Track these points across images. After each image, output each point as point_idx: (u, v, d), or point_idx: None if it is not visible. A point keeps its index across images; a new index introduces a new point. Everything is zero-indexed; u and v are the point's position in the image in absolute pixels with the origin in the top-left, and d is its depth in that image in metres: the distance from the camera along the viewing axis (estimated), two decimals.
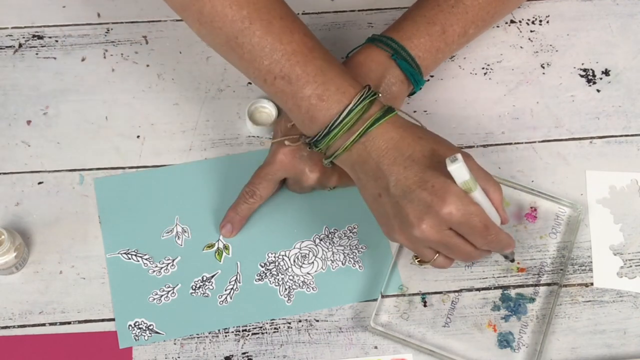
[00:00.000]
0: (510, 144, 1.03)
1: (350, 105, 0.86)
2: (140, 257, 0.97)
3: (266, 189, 0.96)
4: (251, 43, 0.86)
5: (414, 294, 0.96)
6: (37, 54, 1.06)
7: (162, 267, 0.96)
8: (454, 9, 0.97)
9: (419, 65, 0.96)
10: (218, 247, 0.97)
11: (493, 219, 0.86)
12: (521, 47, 1.08)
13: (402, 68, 0.95)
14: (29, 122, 1.03)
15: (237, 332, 0.94)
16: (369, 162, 0.86)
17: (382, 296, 0.95)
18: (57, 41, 1.06)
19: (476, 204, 0.84)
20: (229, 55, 0.89)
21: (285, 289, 0.96)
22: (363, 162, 0.87)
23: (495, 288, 0.96)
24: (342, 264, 0.97)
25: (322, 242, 0.98)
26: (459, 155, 0.81)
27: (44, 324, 0.94)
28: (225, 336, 0.94)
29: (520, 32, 1.09)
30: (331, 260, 0.97)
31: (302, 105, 0.87)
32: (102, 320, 0.94)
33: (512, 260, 0.95)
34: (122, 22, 1.08)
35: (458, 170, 0.81)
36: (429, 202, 0.83)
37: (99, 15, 1.08)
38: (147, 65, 1.06)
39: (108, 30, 1.07)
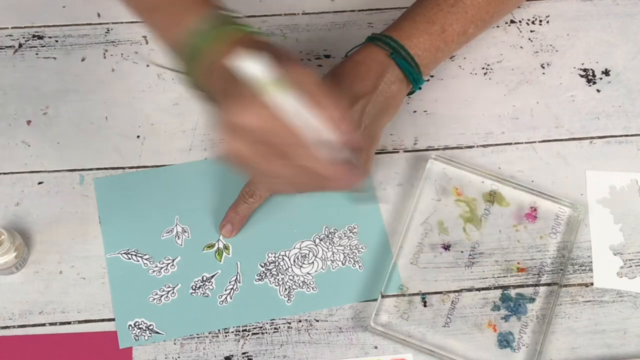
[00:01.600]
0: (510, 144, 1.03)
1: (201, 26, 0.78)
2: (140, 257, 0.97)
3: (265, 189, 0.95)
4: None
5: (414, 294, 0.96)
6: (37, 54, 1.06)
7: (162, 267, 0.96)
8: (454, 8, 0.97)
9: (418, 65, 0.96)
10: (218, 247, 0.97)
11: (313, 134, 0.74)
12: (521, 47, 1.08)
13: (401, 67, 0.95)
14: (29, 122, 1.03)
15: (237, 332, 0.94)
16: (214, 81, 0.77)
17: (382, 296, 0.95)
18: (57, 41, 1.06)
19: (283, 114, 0.72)
20: None
21: (285, 289, 0.96)
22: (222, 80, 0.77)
23: (495, 288, 0.96)
24: (342, 264, 0.97)
25: (322, 242, 0.98)
26: (261, 54, 0.70)
27: (44, 324, 0.94)
28: (225, 336, 0.94)
29: (520, 32, 1.09)
30: (331, 260, 0.97)
31: (159, 28, 0.82)
32: (102, 320, 0.94)
33: (370, 198, 0.85)
34: (122, 22, 1.08)
35: (257, 70, 0.71)
36: (231, 115, 0.73)
37: (99, 15, 1.08)
38: (147, 65, 1.06)
39: (108, 30, 1.07)
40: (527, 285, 0.96)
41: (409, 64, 0.95)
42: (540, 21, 1.10)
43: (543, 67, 1.07)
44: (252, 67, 0.70)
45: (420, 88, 0.99)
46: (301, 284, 0.96)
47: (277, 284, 0.96)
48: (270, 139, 0.73)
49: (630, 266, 0.97)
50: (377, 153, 1.02)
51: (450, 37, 0.97)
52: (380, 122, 0.95)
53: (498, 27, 1.09)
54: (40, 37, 1.07)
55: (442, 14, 0.97)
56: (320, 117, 0.74)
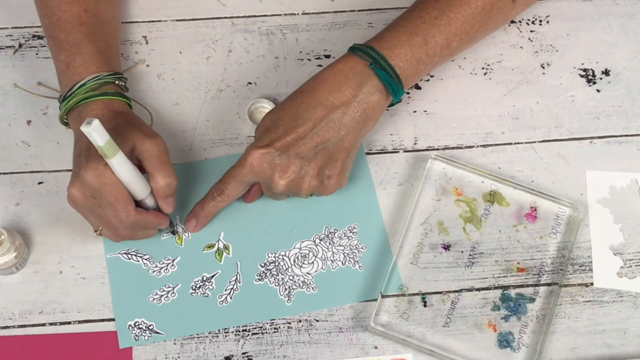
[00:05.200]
0: (510, 144, 1.03)
1: (84, 80, 0.94)
2: (140, 257, 0.97)
3: (234, 190, 0.95)
4: (44, 2, 0.99)
5: (414, 294, 0.96)
6: (37, 54, 1.06)
7: (162, 267, 0.96)
8: (437, 20, 0.96)
9: (399, 76, 0.95)
10: (218, 247, 0.97)
11: (136, 195, 0.90)
12: (521, 47, 1.08)
13: (381, 77, 0.94)
14: (29, 122, 1.03)
15: (237, 332, 0.94)
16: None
17: (382, 296, 0.95)
18: None
19: (113, 175, 0.87)
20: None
21: (285, 289, 0.96)
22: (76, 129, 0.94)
23: (495, 288, 0.96)
24: (342, 264, 0.97)
25: (322, 242, 0.98)
26: (95, 120, 0.82)
27: (44, 324, 0.94)
28: (225, 336, 0.94)
29: (520, 32, 1.09)
30: (331, 260, 0.97)
31: (56, 66, 0.97)
32: (102, 320, 0.94)
33: (174, 232, 0.98)
34: (122, 22, 1.08)
35: (89, 134, 0.83)
36: (78, 167, 0.90)
37: None
38: (147, 65, 1.06)
39: None
40: (527, 285, 0.96)
41: (389, 75, 0.95)
42: (540, 21, 1.10)
43: (543, 67, 1.07)
44: (90, 133, 0.82)
45: (400, 100, 0.98)
46: (301, 284, 0.96)
47: (277, 284, 0.96)
48: (97, 193, 0.88)
49: (630, 266, 0.98)
50: (377, 153, 1.02)
51: (432, 50, 0.97)
52: (359, 132, 0.94)
53: None
54: (40, 37, 1.07)
55: (424, 26, 0.96)
56: (156, 190, 0.91)
